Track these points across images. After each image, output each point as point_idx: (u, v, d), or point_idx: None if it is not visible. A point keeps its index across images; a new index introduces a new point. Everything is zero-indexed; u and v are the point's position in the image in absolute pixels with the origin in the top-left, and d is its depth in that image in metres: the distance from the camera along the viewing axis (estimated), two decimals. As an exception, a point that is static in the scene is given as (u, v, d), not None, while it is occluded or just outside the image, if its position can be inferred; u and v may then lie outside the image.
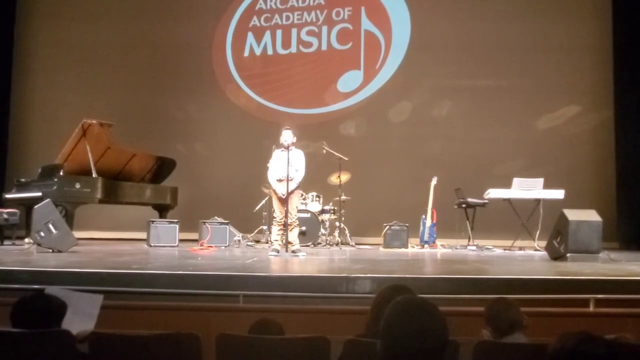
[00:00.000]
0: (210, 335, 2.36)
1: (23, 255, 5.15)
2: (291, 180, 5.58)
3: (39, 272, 3.66)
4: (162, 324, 2.81)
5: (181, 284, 3.49)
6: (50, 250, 5.26)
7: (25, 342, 2.16)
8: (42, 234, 5.23)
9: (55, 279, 3.48)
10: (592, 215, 5.34)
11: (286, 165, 5.54)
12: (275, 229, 5.70)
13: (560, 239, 5.31)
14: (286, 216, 5.55)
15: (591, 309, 3.34)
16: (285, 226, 5.55)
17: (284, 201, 5.56)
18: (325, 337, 2.25)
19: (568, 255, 5.14)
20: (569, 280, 3.67)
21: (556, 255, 5.35)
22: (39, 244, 5.29)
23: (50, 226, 5.24)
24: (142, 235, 7.03)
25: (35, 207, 5.38)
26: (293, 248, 5.61)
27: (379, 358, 1.55)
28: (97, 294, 2.71)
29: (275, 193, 5.69)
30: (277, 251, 5.58)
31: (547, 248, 5.64)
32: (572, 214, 5.28)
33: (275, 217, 5.73)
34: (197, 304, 3.28)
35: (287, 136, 5.66)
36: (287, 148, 5.59)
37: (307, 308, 3.17)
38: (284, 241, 5.58)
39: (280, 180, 5.62)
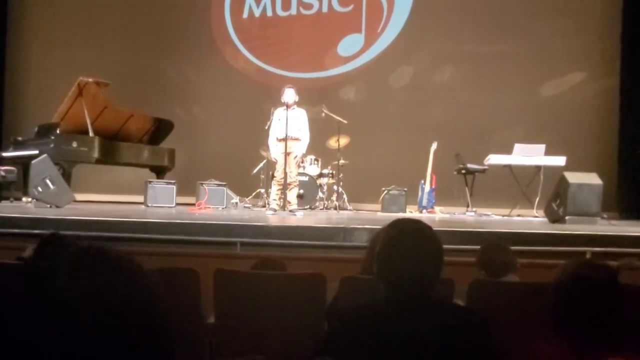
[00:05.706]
0: (208, 274, 2.35)
1: (22, 208, 5.15)
2: (296, 139, 5.54)
3: (38, 219, 3.64)
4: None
5: (179, 231, 3.49)
6: (48, 206, 5.25)
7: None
8: (39, 189, 5.20)
9: (57, 227, 3.46)
10: (592, 178, 5.33)
11: (289, 123, 5.49)
12: (275, 188, 5.68)
13: (560, 202, 5.30)
14: (285, 176, 5.52)
15: (588, 261, 3.35)
16: (284, 186, 5.53)
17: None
18: (321, 274, 2.25)
19: (567, 217, 5.14)
20: (566, 235, 3.67)
21: (554, 218, 5.35)
22: (36, 199, 5.28)
23: (48, 181, 5.21)
24: (140, 198, 7.02)
25: (33, 162, 5.34)
26: (291, 207, 5.61)
27: (376, 285, 1.54)
28: None
29: (270, 155, 5.66)
30: (275, 210, 5.58)
31: (546, 211, 5.64)
32: (573, 177, 5.27)
33: (275, 177, 5.70)
34: (194, 249, 3.28)
35: (290, 94, 5.60)
36: (289, 106, 5.54)
37: (304, 255, 3.17)
38: (282, 201, 5.58)
39: (282, 140, 5.57)
